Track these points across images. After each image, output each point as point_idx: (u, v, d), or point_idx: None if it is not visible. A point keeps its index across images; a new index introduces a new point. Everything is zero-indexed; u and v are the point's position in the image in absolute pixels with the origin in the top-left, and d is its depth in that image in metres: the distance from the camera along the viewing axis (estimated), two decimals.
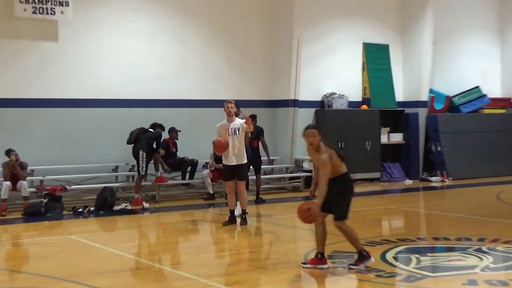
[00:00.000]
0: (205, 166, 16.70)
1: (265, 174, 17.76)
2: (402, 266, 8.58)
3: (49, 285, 7.93)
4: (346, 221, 8.33)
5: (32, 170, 15.12)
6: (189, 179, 16.39)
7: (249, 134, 13.71)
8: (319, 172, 8.28)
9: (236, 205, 12.35)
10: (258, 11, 18.81)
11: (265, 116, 17.78)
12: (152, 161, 15.33)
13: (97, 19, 16.44)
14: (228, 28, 18.30)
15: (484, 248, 9.49)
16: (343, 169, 8.40)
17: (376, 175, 20.19)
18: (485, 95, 22.31)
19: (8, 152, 14.07)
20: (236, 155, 11.91)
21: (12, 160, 14.01)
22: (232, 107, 12.05)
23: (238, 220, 12.20)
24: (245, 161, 12.11)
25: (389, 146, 20.75)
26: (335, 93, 19.60)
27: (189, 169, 16.28)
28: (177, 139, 16.20)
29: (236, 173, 12.00)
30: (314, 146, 8.28)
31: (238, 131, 11.90)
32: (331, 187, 8.11)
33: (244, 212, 12.25)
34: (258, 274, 8.46)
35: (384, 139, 20.53)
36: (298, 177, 18.14)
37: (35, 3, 15.18)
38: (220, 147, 11.87)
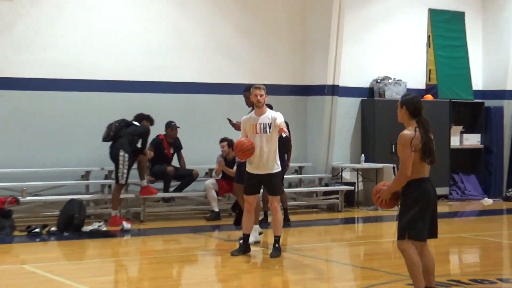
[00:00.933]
0: (208, 173, 16.68)
1: (290, 186, 17.69)
2: None
3: None
4: (409, 243, 8.35)
5: None
6: (179, 190, 16.50)
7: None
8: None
9: (253, 228, 12.20)
10: None
11: (292, 108, 17.83)
12: (135, 166, 15.37)
13: None
14: None
15: None
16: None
17: (444, 191, 20.19)
18: None
19: None
20: (265, 161, 11.60)
21: None
22: (262, 95, 11.72)
23: (253, 248, 12.08)
24: (278, 169, 11.84)
25: (462, 151, 20.87)
26: (389, 78, 19.61)
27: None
28: (175, 137, 16.24)
29: (265, 185, 11.88)
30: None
31: (270, 127, 11.60)
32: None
33: (277, 241, 11.95)
34: None
35: (455, 141, 20.58)
36: (336, 192, 18.08)
37: None
38: (242, 152, 11.60)
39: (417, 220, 8.26)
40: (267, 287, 10.45)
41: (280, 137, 11.77)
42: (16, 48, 16.03)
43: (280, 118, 11.39)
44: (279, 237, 11.92)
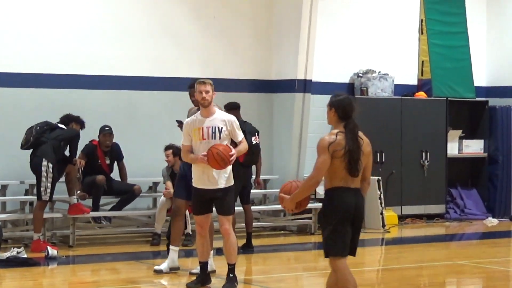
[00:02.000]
0: (152, 188, 16.68)
1: (253, 204, 17.71)
2: None
3: None
4: (340, 259, 8.77)
5: None
6: (118, 208, 16.50)
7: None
8: None
9: (210, 254, 12.08)
10: None
11: (255, 107, 17.88)
12: (63, 178, 15.32)
13: None
14: None
15: None
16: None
17: (440, 208, 20.37)
18: None
19: None
20: (214, 173, 11.23)
21: None
22: (208, 91, 11.33)
23: (214, 280, 11.98)
24: (230, 183, 11.62)
25: (461, 161, 21.02)
26: (374, 71, 19.72)
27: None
28: (109, 145, 16.16)
29: (215, 202, 11.52)
30: None
31: (221, 132, 11.25)
32: None
33: (232, 270, 11.58)
34: None
35: (453, 149, 20.68)
36: (309, 211, 18.08)
37: None
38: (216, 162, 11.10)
39: (337, 233, 8.71)
40: None
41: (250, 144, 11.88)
42: None
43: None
44: (234, 265, 11.54)
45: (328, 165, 8.65)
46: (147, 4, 17.76)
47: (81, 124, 15.37)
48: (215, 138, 11.11)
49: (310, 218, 17.88)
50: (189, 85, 12.68)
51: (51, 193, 14.92)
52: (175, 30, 17.94)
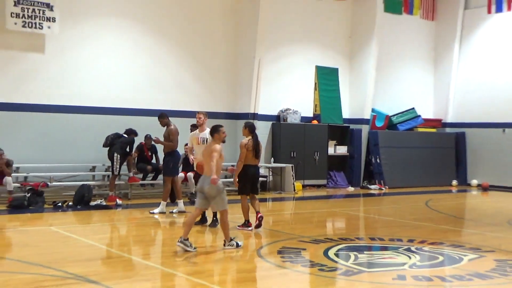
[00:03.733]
0: None
1: (226, 177, 17.72)
2: (342, 262, 8.71)
3: (29, 270, 7.87)
4: (243, 196, 11.23)
5: (18, 167, 14.96)
6: (154, 179, 16.35)
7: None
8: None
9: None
10: (224, 34, 18.87)
11: (227, 128, 17.79)
12: (125, 163, 15.27)
13: (81, 35, 16.33)
14: (196, 47, 18.32)
15: (412, 248, 9.68)
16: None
17: (323, 182, 20.34)
18: (419, 116, 22.76)
19: None
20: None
21: None
22: (200, 117, 11.88)
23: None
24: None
25: (335, 157, 20.92)
26: (290, 109, 19.76)
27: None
28: (150, 144, 15.93)
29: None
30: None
31: (207, 141, 11.29)
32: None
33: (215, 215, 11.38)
34: (213, 265, 8.51)
35: (331, 150, 20.69)
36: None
37: (25, 18, 15.05)
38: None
39: (245, 185, 11.14)
40: (208, 241, 10.51)
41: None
42: (45, 85, 15.82)
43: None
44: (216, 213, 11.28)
45: (245, 154, 10.77)
46: (166, 68, 17.74)
47: (136, 134, 15.38)
48: (204, 143, 11.42)
49: None
50: (159, 115, 13.74)
51: (119, 171, 14.93)
52: (183, 83, 17.96)
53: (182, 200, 13.54)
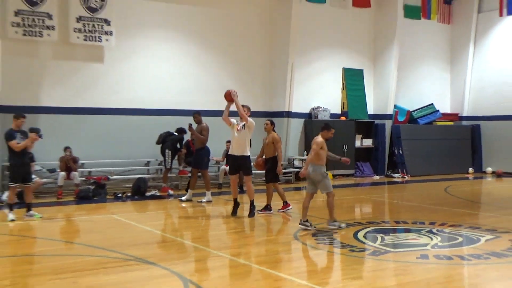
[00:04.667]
0: (217, 162, 16.62)
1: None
2: (370, 243, 8.64)
3: (95, 253, 8.01)
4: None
5: (83, 163, 15.16)
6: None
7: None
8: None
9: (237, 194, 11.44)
10: (261, 42, 18.81)
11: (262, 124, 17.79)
12: (176, 158, 15.35)
13: (134, 46, 16.49)
14: (236, 53, 18.28)
15: (434, 230, 9.56)
16: None
17: (351, 171, 20.14)
18: (437, 111, 22.35)
19: (64, 149, 14.17)
20: (238, 146, 11.06)
21: (67, 155, 14.09)
22: (244, 110, 11.25)
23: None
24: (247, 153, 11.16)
25: (361, 149, 20.69)
26: (320, 107, 19.61)
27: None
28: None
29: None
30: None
31: (244, 128, 11.08)
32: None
33: (252, 203, 11.17)
34: (255, 247, 8.54)
35: (358, 143, 20.47)
36: (290, 172, 18.18)
37: (86, 32, 15.26)
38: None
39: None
40: (251, 225, 10.50)
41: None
42: (105, 91, 16.01)
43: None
44: (252, 201, 11.17)
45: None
46: (211, 75, 17.74)
47: (185, 132, 15.32)
48: (242, 129, 11.04)
49: (290, 176, 17.96)
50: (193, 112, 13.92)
51: (171, 165, 15.02)
52: (224, 85, 17.79)
53: (210, 191, 13.54)
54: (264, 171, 11.71)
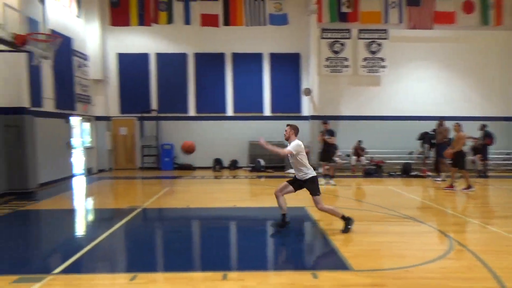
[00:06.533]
0: None
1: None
2: None
3: (378, 210, 7.94)
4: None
5: (368, 151, 15.32)
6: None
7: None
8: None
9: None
10: (498, 59, 16.44)
11: (500, 128, 15.71)
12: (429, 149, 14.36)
13: (401, 73, 16.16)
14: (477, 72, 16.35)
15: None
16: None
17: None
18: None
19: (357, 142, 14.69)
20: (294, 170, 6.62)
21: (357, 145, 14.69)
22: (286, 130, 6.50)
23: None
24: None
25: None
26: None
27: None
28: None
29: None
30: None
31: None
32: None
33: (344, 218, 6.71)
34: (504, 220, 7.58)
35: None
36: None
37: (369, 67, 15.73)
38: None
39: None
40: None
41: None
42: (382, 104, 15.88)
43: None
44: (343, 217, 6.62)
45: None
46: (457, 90, 16.16)
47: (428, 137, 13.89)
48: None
49: None
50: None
51: (428, 155, 13.99)
52: (464, 96, 16.14)
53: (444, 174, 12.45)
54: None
